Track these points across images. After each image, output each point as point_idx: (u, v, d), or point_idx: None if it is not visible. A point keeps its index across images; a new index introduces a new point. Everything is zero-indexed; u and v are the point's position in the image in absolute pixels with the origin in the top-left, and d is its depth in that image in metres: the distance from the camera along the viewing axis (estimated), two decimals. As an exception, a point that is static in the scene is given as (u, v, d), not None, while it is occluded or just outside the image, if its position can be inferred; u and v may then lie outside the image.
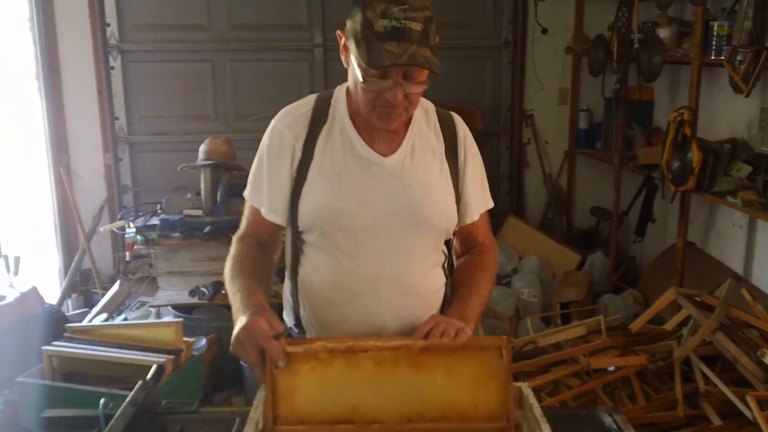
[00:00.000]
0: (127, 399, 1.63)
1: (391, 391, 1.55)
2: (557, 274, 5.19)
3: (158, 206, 4.54)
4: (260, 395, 1.63)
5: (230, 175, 4.29)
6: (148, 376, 1.77)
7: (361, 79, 1.67)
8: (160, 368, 1.84)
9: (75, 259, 5.27)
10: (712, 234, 4.56)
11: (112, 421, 1.55)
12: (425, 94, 1.79)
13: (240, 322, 1.60)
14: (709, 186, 3.96)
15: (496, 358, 1.54)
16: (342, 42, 1.74)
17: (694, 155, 3.90)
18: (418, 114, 1.86)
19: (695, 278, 4.20)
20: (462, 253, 2.00)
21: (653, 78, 4.62)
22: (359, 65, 1.65)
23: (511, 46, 5.68)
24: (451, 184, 1.86)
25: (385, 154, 1.81)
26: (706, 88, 4.21)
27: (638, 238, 5.03)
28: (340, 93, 1.87)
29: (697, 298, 3.54)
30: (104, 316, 4.21)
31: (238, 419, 1.65)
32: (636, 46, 4.64)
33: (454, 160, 1.88)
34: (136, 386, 1.70)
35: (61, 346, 3.38)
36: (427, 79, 1.69)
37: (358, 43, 1.63)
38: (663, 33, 4.51)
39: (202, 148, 4.38)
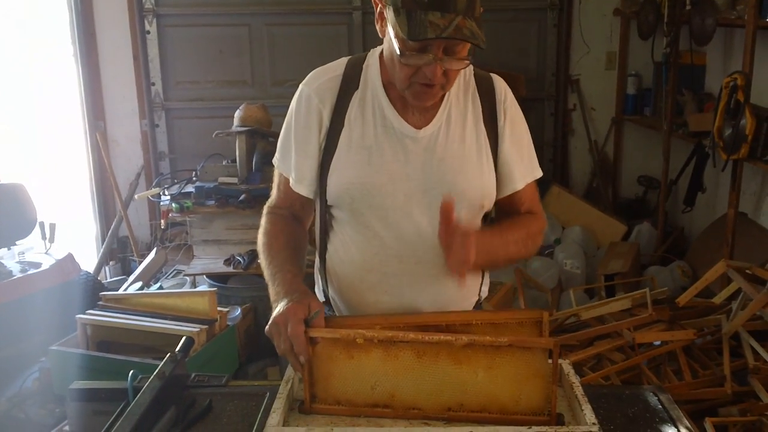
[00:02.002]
0: (155, 372, 1.59)
1: (431, 382, 1.52)
2: (602, 245, 5.11)
3: (194, 173, 4.50)
4: (290, 371, 1.61)
5: (266, 141, 4.23)
6: (177, 349, 1.73)
7: (398, 53, 1.54)
8: (189, 340, 1.79)
9: (112, 227, 5.29)
10: (764, 204, 4.43)
11: (139, 394, 1.52)
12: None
13: (280, 306, 1.54)
14: (762, 154, 3.85)
15: (542, 358, 1.48)
16: (378, 9, 1.62)
17: (747, 122, 3.77)
18: None
19: (746, 250, 4.09)
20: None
21: (706, 41, 4.46)
22: (397, 36, 1.53)
23: (557, 8, 5.55)
24: (491, 154, 1.74)
25: (418, 126, 1.70)
26: (761, 52, 4.04)
27: (687, 208, 4.91)
28: (372, 58, 1.75)
29: (747, 271, 3.46)
30: (139, 284, 4.20)
31: (268, 394, 1.63)
32: (688, 7, 4.49)
33: (493, 125, 1.75)
34: (164, 359, 1.66)
35: (95, 315, 3.36)
36: (469, 55, 1.56)
37: (397, 12, 1.50)
38: (717, -6, 4.34)
39: (238, 114, 4.33)
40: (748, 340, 3.23)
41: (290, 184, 1.77)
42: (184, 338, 1.78)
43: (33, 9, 4.94)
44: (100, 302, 3.49)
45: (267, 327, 1.54)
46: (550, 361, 1.48)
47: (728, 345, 3.28)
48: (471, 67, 1.79)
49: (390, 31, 1.56)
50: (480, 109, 1.75)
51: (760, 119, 3.78)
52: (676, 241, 5.14)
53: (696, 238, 4.95)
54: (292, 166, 1.76)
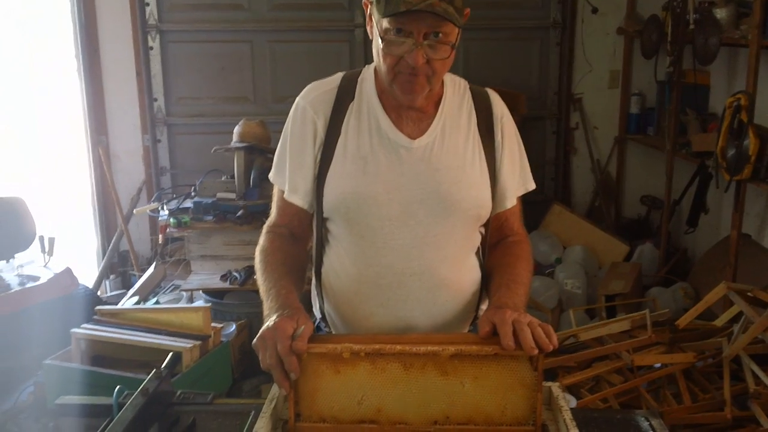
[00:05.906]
0: (139, 389, 1.57)
1: (418, 395, 1.50)
2: (603, 265, 5.05)
3: (192, 189, 4.49)
4: (275, 389, 1.57)
5: (264, 158, 4.21)
6: (162, 366, 1.71)
7: (380, 42, 1.57)
8: (176, 356, 1.77)
9: (113, 241, 5.29)
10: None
11: (121, 411, 1.50)
12: (464, 75, 1.66)
13: (269, 321, 1.52)
14: (766, 175, 3.80)
15: (527, 366, 1.47)
16: (368, 12, 1.64)
17: (751, 143, 3.74)
18: (449, 92, 1.76)
19: (750, 272, 4.04)
20: (496, 241, 1.87)
21: (709, 61, 4.43)
22: (378, 23, 1.57)
23: (560, 27, 5.52)
24: (486, 168, 1.75)
25: (413, 136, 1.71)
26: (765, 72, 4.02)
27: (690, 229, 4.86)
28: (367, 72, 1.78)
29: (749, 294, 3.41)
30: (136, 299, 4.19)
31: (253, 412, 1.58)
32: (691, 27, 4.46)
33: (490, 141, 1.76)
34: (149, 376, 1.64)
35: (89, 329, 3.35)
36: (452, 53, 1.58)
37: (378, 1, 1.55)
38: (720, 13, 4.31)
39: (236, 130, 4.32)
40: (749, 364, 3.18)
41: (284, 195, 1.77)
42: (170, 354, 1.76)
43: (36, 19, 4.96)
44: (95, 316, 3.48)
45: (254, 341, 1.51)
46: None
47: (729, 369, 3.23)
48: (466, 82, 1.82)
49: (374, 23, 1.60)
50: (476, 122, 1.76)
51: (764, 140, 3.75)
52: (678, 262, 5.08)
53: (699, 260, 4.89)
54: (286, 177, 1.76)
